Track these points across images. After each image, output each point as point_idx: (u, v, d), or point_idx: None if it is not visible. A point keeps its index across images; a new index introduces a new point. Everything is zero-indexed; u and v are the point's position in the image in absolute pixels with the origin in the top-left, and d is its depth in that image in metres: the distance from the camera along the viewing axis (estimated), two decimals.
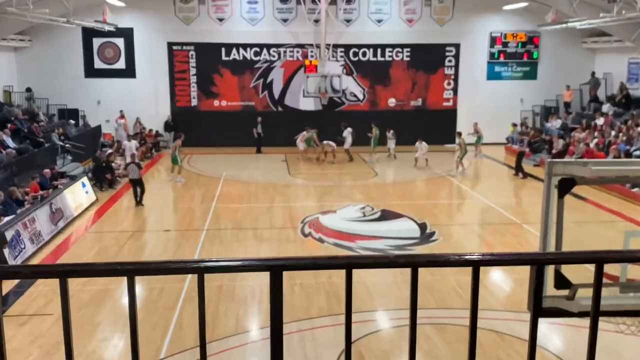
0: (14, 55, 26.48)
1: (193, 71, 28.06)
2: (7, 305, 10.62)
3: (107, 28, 25.27)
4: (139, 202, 17.80)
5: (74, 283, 11.44)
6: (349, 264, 1.40)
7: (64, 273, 1.37)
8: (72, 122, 25.90)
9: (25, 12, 18.85)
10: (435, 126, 28.49)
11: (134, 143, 22.68)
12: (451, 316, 10.02)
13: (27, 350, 9.03)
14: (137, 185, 17.93)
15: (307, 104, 28.54)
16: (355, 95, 28.88)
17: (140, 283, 11.55)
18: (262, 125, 27.24)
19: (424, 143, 23.52)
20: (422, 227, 15.50)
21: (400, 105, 29.15)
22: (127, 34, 27.23)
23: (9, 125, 20.76)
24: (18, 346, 9.14)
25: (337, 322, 9.84)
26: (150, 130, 27.66)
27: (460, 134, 23.22)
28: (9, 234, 13.10)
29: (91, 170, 20.53)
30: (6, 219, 13.80)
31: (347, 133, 25.26)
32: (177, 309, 10.40)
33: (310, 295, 11.04)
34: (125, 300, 10.73)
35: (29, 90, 26.26)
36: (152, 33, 27.34)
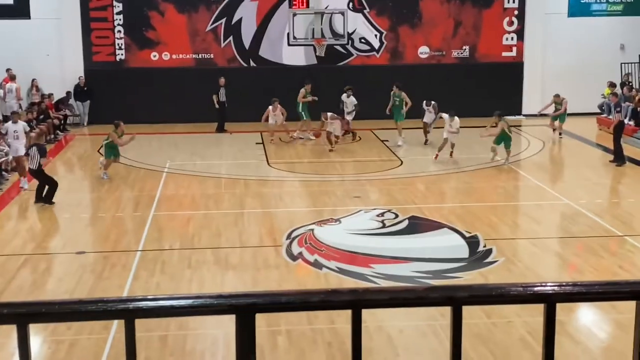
0: None
1: (118, 7, 28.01)
2: None
3: None
4: (46, 198, 18.01)
5: None
6: (357, 302, 1.38)
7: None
8: None
9: None
10: (491, 89, 28.56)
11: (21, 125, 21.43)
12: None
13: None
14: (41, 179, 18.10)
15: (295, 56, 28.59)
16: (367, 42, 28.91)
17: (41, 334, 11.52)
18: (227, 89, 27.05)
19: (456, 118, 23.01)
20: (473, 243, 15.48)
21: (436, 57, 29.24)
22: None
23: None
24: None
25: None
26: (50, 96, 27.38)
27: (500, 115, 22.72)
28: None
29: None
30: None
31: (350, 104, 25.56)
32: None
33: (303, 349, 11.04)
34: None
35: None
36: None
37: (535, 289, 1.40)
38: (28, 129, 21.74)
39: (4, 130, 21.74)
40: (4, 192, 19.87)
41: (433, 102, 24.83)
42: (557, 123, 26.01)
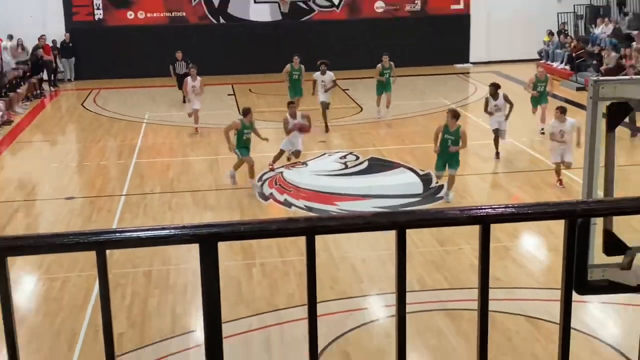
0: None
1: None
2: None
3: None
4: None
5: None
6: (311, 228, 1.37)
7: None
8: None
9: None
10: (441, 40, 28.59)
11: None
12: (468, 299, 10.19)
13: None
14: None
15: (260, 13, 28.29)
16: None
17: (34, 272, 11.50)
18: (187, 59, 23.75)
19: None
20: (426, 180, 15.59)
21: (390, 11, 29.03)
22: None
23: None
24: None
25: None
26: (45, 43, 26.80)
27: (457, 116, 14.76)
28: None
29: None
30: None
31: (329, 80, 20.36)
32: (88, 307, 10.38)
33: (275, 279, 11.10)
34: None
35: None
36: None
37: (471, 212, 1.40)
38: None
39: None
40: None
41: (503, 93, 17.45)
42: (541, 107, 19.37)
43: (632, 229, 4.65)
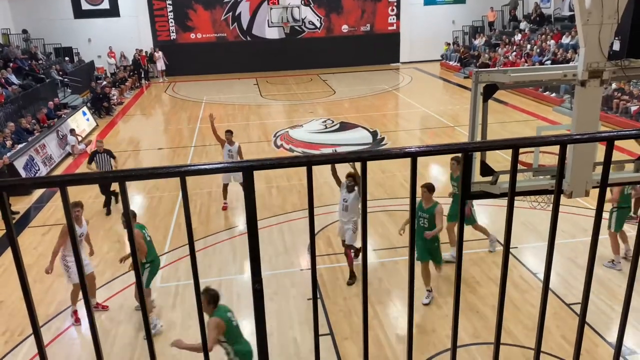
0: (7, 0, 24.63)
1: (170, 8, 26.61)
2: (30, 218, 10.48)
3: None
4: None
5: (85, 196, 11.27)
6: (309, 162, 1.36)
7: (63, 182, 1.30)
8: (67, 59, 24.61)
9: None
10: (382, 47, 28.15)
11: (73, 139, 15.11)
12: (400, 204, 10.27)
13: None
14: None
15: (272, 33, 27.56)
16: (313, 24, 27.93)
17: (141, 193, 11.47)
18: (112, 153, 10.53)
19: None
20: (374, 134, 15.55)
21: (352, 31, 28.37)
22: None
23: (10, 64, 19.60)
24: (43, 251, 9.12)
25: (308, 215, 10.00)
26: (143, 53, 25.93)
27: (433, 189, 7.54)
28: (23, 159, 12.71)
29: (89, 100, 19.78)
30: (19, 146, 13.35)
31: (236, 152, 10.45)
32: (174, 213, 10.41)
33: (285, 195, 11.15)
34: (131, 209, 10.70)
35: (25, 32, 24.62)
36: None
37: (406, 150, 1.38)
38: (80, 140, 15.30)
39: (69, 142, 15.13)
40: (114, 116, 19.32)
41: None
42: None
43: (495, 160, 4.67)
